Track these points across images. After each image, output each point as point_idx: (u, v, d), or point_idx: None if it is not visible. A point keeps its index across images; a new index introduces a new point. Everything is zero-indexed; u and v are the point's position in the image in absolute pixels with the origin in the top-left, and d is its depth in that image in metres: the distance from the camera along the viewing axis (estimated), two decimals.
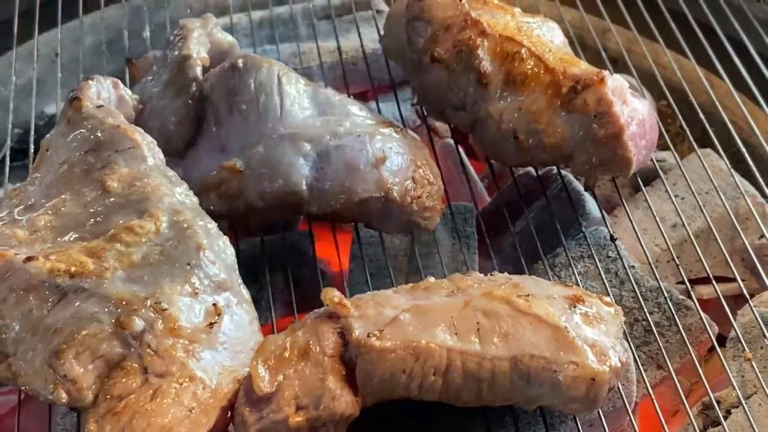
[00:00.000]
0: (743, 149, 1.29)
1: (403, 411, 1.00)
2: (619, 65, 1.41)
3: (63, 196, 1.06)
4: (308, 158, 1.11)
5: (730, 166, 1.30)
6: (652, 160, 1.30)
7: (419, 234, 1.19)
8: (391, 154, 1.12)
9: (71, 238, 1.02)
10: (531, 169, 1.30)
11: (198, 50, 1.21)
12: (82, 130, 1.12)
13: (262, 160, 1.11)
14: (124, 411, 0.91)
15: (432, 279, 1.02)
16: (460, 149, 1.34)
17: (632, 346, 1.07)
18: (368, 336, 0.92)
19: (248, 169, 1.11)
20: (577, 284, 1.09)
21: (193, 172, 1.15)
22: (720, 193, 1.24)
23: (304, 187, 1.10)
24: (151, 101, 1.20)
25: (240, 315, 1.01)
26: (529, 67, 1.18)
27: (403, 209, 1.12)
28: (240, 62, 1.15)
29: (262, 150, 1.12)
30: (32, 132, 1.35)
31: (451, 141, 1.44)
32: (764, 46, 1.42)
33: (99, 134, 1.10)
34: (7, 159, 1.32)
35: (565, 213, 1.24)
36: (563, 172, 1.29)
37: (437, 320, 0.94)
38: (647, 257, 1.18)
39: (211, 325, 0.97)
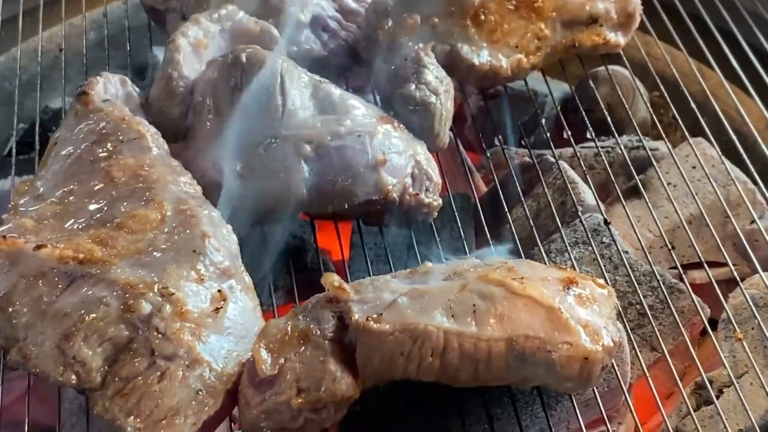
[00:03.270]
0: (734, 137, 1.30)
1: (401, 392, 1.02)
2: (612, 57, 1.41)
3: (70, 186, 1.08)
4: (308, 160, 1.11)
5: (721, 154, 1.31)
6: (645, 149, 1.32)
7: (419, 225, 1.19)
8: (390, 154, 1.12)
9: (78, 227, 1.03)
10: (527, 158, 1.31)
11: (192, 33, 1.22)
12: (88, 122, 1.13)
13: (263, 163, 1.11)
14: (132, 392, 0.92)
15: (430, 264, 1.03)
16: (458, 140, 1.34)
17: (627, 328, 1.08)
18: (367, 319, 0.93)
19: (248, 171, 1.11)
20: (573, 269, 1.10)
21: (194, 164, 1.15)
22: (711, 181, 1.26)
23: (304, 190, 1.11)
24: None
25: (243, 301, 1.02)
26: None
27: (401, 207, 1.12)
28: (243, 57, 1.15)
29: (263, 152, 1.11)
30: (37, 126, 1.36)
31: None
32: (754, 38, 1.43)
33: (104, 126, 1.12)
34: (13, 152, 1.33)
35: (560, 201, 1.25)
36: (560, 161, 1.30)
37: (434, 303, 0.95)
38: (641, 243, 1.20)
39: (217, 310, 0.98)
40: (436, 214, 1.16)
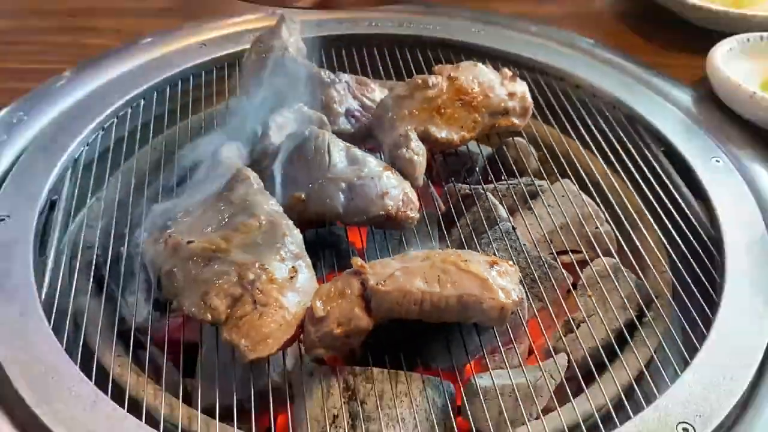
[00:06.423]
0: (585, 178, 1.30)
1: (398, 327, 1.01)
2: (516, 133, 1.38)
3: (207, 207, 1.08)
4: (343, 193, 1.10)
5: (579, 188, 1.30)
6: (535, 185, 1.30)
7: (406, 229, 1.18)
8: (390, 189, 1.11)
9: (212, 230, 1.03)
10: (468, 191, 1.29)
11: (279, 119, 1.20)
12: (218, 169, 1.13)
13: (318, 193, 1.10)
14: (243, 326, 0.92)
15: (413, 252, 1.03)
16: (429, 180, 1.31)
17: (525, 289, 1.08)
18: (377, 284, 0.93)
19: (308, 199, 1.10)
20: (495, 255, 1.10)
21: (277, 192, 1.13)
22: (573, 204, 1.25)
23: (341, 210, 1.10)
24: None
25: (306, 273, 1.01)
26: None
27: (396, 219, 1.11)
28: (307, 132, 1.15)
29: (317, 187, 1.10)
30: (188, 171, 1.30)
31: None
32: (596, 121, 1.41)
33: (226, 172, 1.12)
34: (175, 186, 1.26)
35: (487, 215, 1.24)
36: (487, 192, 1.28)
37: (416, 275, 0.95)
38: (533, 239, 1.20)
39: (292, 278, 0.98)
40: (416, 222, 1.15)
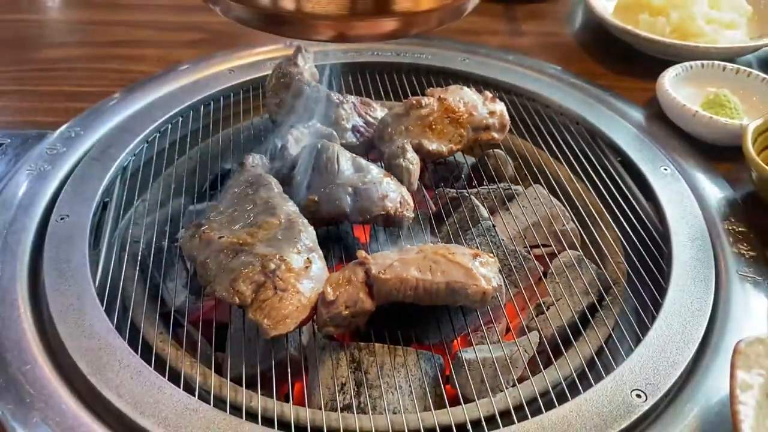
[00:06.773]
0: (554, 183, 1.30)
1: (396, 309, 1.01)
2: (496, 145, 1.37)
3: (235, 208, 1.07)
4: (350, 196, 1.09)
5: (548, 192, 1.29)
6: (512, 189, 1.30)
7: (403, 226, 1.17)
8: (389, 192, 1.11)
9: (239, 227, 1.03)
10: (455, 194, 1.29)
11: (296, 133, 1.20)
12: (244, 176, 1.13)
13: (328, 196, 1.10)
14: (265, 308, 0.92)
15: (408, 246, 1.04)
16: (422, 185, 1.31)
17: (503, 277, 1.08)
18: (379, 273, 0.93)
19: (320, 201, 1.10)
20: (477, 248, 1.10)
21: (294, 195, 1.13)
22: (544, 205, 1.25)
23: (348, 210, 1.09)
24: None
25: (319, 264, 1.01)
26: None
27: (394, 218, 1.11)
28: (319, 145, 1.14)
29: (328, 191, 1.10)
30: (219, 176, 1.30)
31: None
32: (563, 135, 1.41)
33: (251, 178, 1.12)
34: (208, 190, 1.30)
35: (471, 215, 1.24)
36: (471, 196, 1.27)
37: (411, 265, 0.95)
38: (510, 235, 1.20)
39: (306, 267, 0.97)
40: (411, 221, 1.15)
